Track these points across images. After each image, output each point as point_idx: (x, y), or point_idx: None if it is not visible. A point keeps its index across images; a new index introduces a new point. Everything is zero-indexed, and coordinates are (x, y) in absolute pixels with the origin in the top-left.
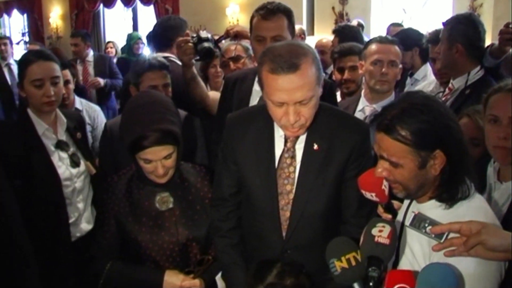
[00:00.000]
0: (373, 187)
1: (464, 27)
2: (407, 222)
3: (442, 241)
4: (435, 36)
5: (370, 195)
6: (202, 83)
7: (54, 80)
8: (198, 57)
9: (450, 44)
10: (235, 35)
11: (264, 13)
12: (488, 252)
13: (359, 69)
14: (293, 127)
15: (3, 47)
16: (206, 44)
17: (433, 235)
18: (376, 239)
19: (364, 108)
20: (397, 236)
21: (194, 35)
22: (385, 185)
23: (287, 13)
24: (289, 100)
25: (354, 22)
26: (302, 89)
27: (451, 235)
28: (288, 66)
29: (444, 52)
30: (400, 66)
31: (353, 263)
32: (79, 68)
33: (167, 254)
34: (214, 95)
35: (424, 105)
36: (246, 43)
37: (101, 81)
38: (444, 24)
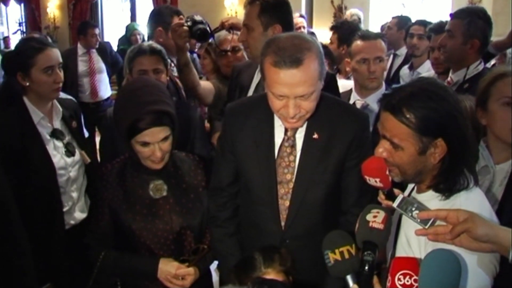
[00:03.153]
0: (377, 172)
1: (482, 23)
2: (394, 204)
3: (427, 227)
4: (438, 27)
5: (374, 181)
6: (195, 71)
7: (60, 66)
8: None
9: (466, 38)
10: (230, 27)
11: (245, 2)
12: (473, 243)
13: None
14: (291, 119)
15: None
16: (201, 26)
17: (418, 220)
18: (370, 224)
19: (355, 103)
20: (391, 222)
21: (189, 19)
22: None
23: (262, 3)
24: (290, 94)
25: (348, 14)
26: (304, 84)
27: (438, 222)
28: (291, 60)
29: (456, 45)
30: (386, 57)
31: (346, 256)
32: (85, 58)
33: (161, 242)
34: (205, 84)
35: (433, 92)
36: None
37: None
38: (452, 15)
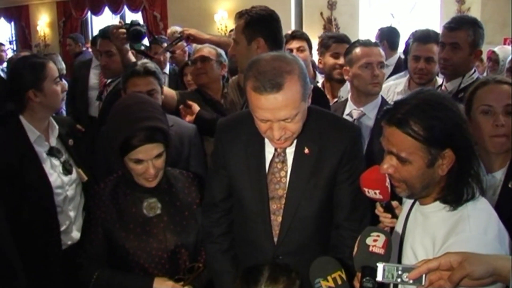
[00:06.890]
0: (377, 184)
1: (482, 32)
2: (379, 277)
3: (424, 284)
4: (423, 36)
5: (374, 193)
6: None
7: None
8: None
9: (472, 49)
10: (187, 37)
11: (234, 17)
12: (474, 281)
13: (344, 72)
14: (278, 140)
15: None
16: (136, 27)
17: (411, 281)
18: (370, 248)
19: (351, 112)
20: (391, 245)
21: (128, 23)
22: (388, 182)
23: (247, 17)
24: (272, 118)
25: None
26: (286, 108)
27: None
28: (271, 85)
29: (464, 57)
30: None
31: (339, 282)
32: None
33: (156, 261)
34: (167, 91)
35: (437, 103)
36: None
37: None
38: (450, 27)
